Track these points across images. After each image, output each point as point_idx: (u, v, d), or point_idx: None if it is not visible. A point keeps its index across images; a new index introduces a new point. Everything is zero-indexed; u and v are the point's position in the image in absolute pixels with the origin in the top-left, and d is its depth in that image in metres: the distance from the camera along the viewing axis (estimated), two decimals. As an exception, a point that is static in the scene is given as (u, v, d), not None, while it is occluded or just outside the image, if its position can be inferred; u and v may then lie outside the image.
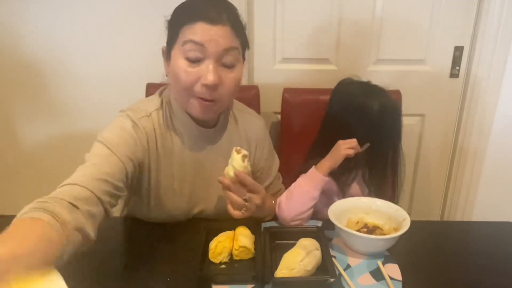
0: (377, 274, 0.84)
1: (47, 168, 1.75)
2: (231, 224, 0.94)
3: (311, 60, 1.64)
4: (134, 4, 1.51)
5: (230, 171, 0.91)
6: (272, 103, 1.63)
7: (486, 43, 1.55)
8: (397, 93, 1.52)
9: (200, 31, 0.84)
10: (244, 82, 1.62)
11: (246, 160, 0.91)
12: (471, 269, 0.88)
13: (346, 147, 1.05)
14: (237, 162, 0.90)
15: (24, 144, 1.74)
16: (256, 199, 0.94)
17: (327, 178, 1.06)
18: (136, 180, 0.95)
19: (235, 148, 0.92)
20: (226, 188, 0.91)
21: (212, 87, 0.87)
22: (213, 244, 0.87)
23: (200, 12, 0.85)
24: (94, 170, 0.81)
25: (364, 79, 1.20)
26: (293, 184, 1.08)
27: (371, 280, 0.82)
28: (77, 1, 1.53)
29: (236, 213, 0.92)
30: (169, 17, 0.93)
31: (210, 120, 1.01)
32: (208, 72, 0.85)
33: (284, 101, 1.53)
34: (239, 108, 1.13)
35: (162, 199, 1.01)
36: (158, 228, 1.01)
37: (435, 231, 1.05)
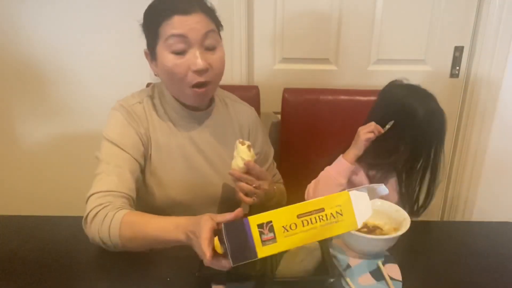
0: (377, 274, 0.84)
1: (47, 168, 1.75)
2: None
3: (311, 60, 1.64)
4: (134, 4, 1.50)
5: (239, 162, 0.96)
6: (272, 103, 1.63)
7: (486, 43, 1.55)
8: (397, 93, 1.52)
9: (178, 24, 0.91)
10: (244, 82, 1.62)
11: (251, 149, 0.97)
12: (471, 269, 0.87)
13: (365, 131, 1.07)
14: (244, 153, 0.95)
15: (24, 144, 1.74)
16: (265, 184, 0.99)
17: (353, 166, 1.10)
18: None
19: (238, 140, 0.98)
20: (238, 179, 0.97)
21: (203, 71, 0.94)
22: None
23: (173, 7, 0.91)
24: (119, 173, 0.93)
25: (409, 82, 1.18)
26: (321, 173, 1.12)
27: (371, 280, 0.82)
28: (77, 1, 1.53)
29: (248, 200, 0.99)
30: (141, 21, 0.99)
31: (204, 104, 1.08)
32: (196, 59, 0.92)
33: (284, 101, 1.53)
34: (231, 98, 1.18)
35: (163, 182, 1.04)
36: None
37: (435, 231, 1.05)
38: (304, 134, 1.53)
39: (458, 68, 1.63)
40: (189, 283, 0.81)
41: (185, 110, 1.05)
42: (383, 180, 1.17)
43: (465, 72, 1.64)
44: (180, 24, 0.91)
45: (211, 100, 1.10)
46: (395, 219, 0.95)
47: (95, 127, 1.54)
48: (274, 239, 0.66)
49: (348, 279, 0.82)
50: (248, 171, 0.96)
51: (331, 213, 0.67)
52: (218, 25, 0.98)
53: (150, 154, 1.03)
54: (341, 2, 1.55)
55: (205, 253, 0.70)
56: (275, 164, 1.27)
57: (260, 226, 0.66)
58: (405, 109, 1.08)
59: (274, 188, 1.09)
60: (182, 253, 0.89)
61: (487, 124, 1.65)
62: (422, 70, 1.64)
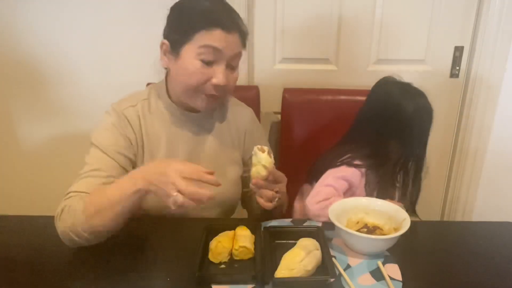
0: (377, 274, 0.84)
1: (47, 168, 1.75)
2: (231, 224, 0.94)
3: (311, 60, 1.64)
4: (135, 4, 1.51)
5: (260, 170, 0.91)
6: (272, 103, 1.63)
7: (486, 43, 1.55)
8: (397, 93, 1.53)
9: (218, 38, 0.93)
10: (244, 82, 1.62)
11: (271, 155, 0.93)
12: (471, 269, 0.87)
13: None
14: (266, 160, 0.91)
15: (24, 144, 1.74)
16: (283, 187, 0.98)
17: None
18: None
19: (256, 147, 0.93)
20: (260, 187, 0.93)
21: (222, 87, 0.97)
22: (213, 244, 0.87)
23: (217, 19, 0.93)
24: (98, 176, 0.93)
25: (401, 80, 1.21)
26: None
27: (371, 280, 0.82)
28: (77, 1, 1.53)
29: (269, 205, 0.95)
30: (169, 9, 0.98)
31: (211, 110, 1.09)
32: (220, 74, 0.95)
33: (284, 101, 1.53)
34: (231, 101, 1.18)
35: None
36: (158, 228, 1.01)
37: (435, 231, 1.05)
38: (304, 134, 1.53)
39: (458, 68, 1.63)
40: (189, 283, 0.81)
41: (182, 111, 1.05)
42: (379, 180, 1.18)
43: (465, 72, 1.64)
44: (220, 39, 0.93)
45: None
46: (395, 219, 0.95)
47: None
48: None
49: (348, 279, 0.82)
50: (269, 177, 0.93)
51: None
52: (244, 48, 1.02)
53: (143, 157, 1.02)
54: (341, 2, 1.55)
55: (183, 169, 0.77)
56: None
57: None
58: (395, 105, 1.11)
59: None
60: (182, 253, 0.89)
61: (487, 124, 1.65)
62: (422, 70, 1.64)
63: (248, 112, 1.19)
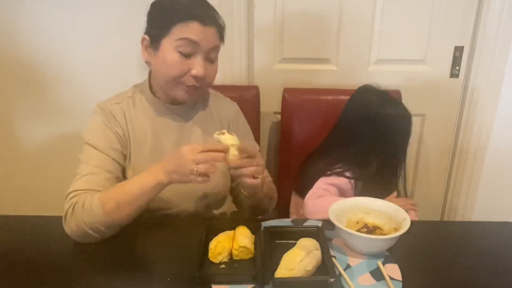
0: (377, 274, 0.84)
1: (47, 168, 1.75)
2: (231, 224, 0.94)
3: (311, 60, 1.64)
4: (135, 5, 1.51)
5: (233, 152, 0.92)
6: (272, 103, 1.63)
7: (486, 43, 1.55)
8: (397, 93, 1.53)
9: (195, 31, 0.95)
10: (244, 82, 1.62)
11: (232, 133, 0.94)
12: (471, 269, 0.87)
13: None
14: (231, 139, 0.93)
15: (24, 144, 1.74)
16: (260, 160, 0.98)
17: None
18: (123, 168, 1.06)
19: (215, 134, 0.94)
20: (240, 166, 0.94)
21: (201, 78, 1.00)
22: (213, 244, 0.87)
23: (194, 12, 0.95)
24: (96, 172, 0.97)
25: (378, 86, 1.25)
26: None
27: (371, 280, 0.82)
28: (77, 1, 1.53)
29: (254, 181, 0.96)
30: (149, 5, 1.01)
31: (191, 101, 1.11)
32: (198, 66, 0.98)
33: (284, 101, 1.53)
34: (212, 93, 1.21)
35: None
36: (158, 228, 1.01)
37: (435, 231, 1.05)
38: (304, 134, 1.53)
39: (458, 68, 1.63)
40: (189, 283, 0.81)
41: (164, 104, 1.09)
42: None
43: (465, 72, 1.63)
44: (197, 31, 0.95)
45: None
46: (395, 219, 0.95)
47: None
48: None
49: (348, 279, 0.82)
50: (242, 154, 0.94)
51: None
52: (222, 42, 1.04)
53: (130, 152, 1.06)
54: (341, 2, 1.55)
55: (195, 148, 0.86)
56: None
57: None
58: (373, 113, 1.16)
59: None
60: (182, 253, 0.89)
61: (487, 124, 1.65)
62: (422, 70, 1.64)
63: (232, 105, 1.21)
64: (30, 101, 1.67)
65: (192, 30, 0.95)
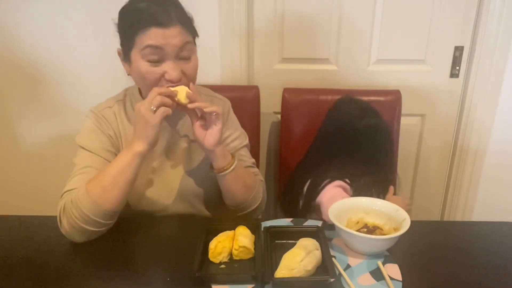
0: (377, 274, 0.84)
1: (47, 168, 1.75)
2: (231, 224, 0.94)
3: (311, 60, 1.64)
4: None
5: (181, 99, 0.94)
6: (272, 103, 1.63)
7: (486, 43, 1.55)
8: (397, 93, 1.53)
9: (155, 36, 0.92)
10: (244, 82, 1.62)
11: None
12: (471, 269, 0.87)
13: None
14: (180, 93, 0.94)
15: (24, 144, 1.74)
16: (220, 108, 0.96)
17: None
18: None
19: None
20: (195, 101, 0.95)
21: (176, 81, 0.96)
22: (213, 244, 0.87)
23: (150, 18, 0.91)
24: (88, 172, 0.97)
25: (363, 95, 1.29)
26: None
27: (371, 280, 0.82)
28: (77, 2, 1.53)
29: (210, 111, 0.95)
30: (116, 21, 1.01)
31: None
32: (170, 70, 0.95)
33: (284, 101, 1.53)
34: (204, 92, 1.19)
35: (136, 185, 1.00)
36: (158, 228, 1.01)
37: (435, 231, 1.05)
38: (304, 134, 1.53)
39: (458, 68, 1.63)
40: (189, 283, 0.81)
41: None
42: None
43: (465, 72, 1.64)
44: (157, 37, 0.91)
45: None
46: (395, 219, 0.95)
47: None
48: None
49: (348, 279, 0.82)
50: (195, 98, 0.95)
51: None
52: (194, 35, 1.00)
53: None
54: (341, 2, 1.55)
55: (148, 102, 0.90)
56: (249, 155, 1.21)
57: None
58: (351, 125, 1.19)
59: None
60: (182, 253, 0.89)
61: (487, 124, 1.65)
62: (422, 70, 1.64)
63: (222, 102, 1.19)
64: (30, 101, 1.68)
65: (151, 36, 0.92)
